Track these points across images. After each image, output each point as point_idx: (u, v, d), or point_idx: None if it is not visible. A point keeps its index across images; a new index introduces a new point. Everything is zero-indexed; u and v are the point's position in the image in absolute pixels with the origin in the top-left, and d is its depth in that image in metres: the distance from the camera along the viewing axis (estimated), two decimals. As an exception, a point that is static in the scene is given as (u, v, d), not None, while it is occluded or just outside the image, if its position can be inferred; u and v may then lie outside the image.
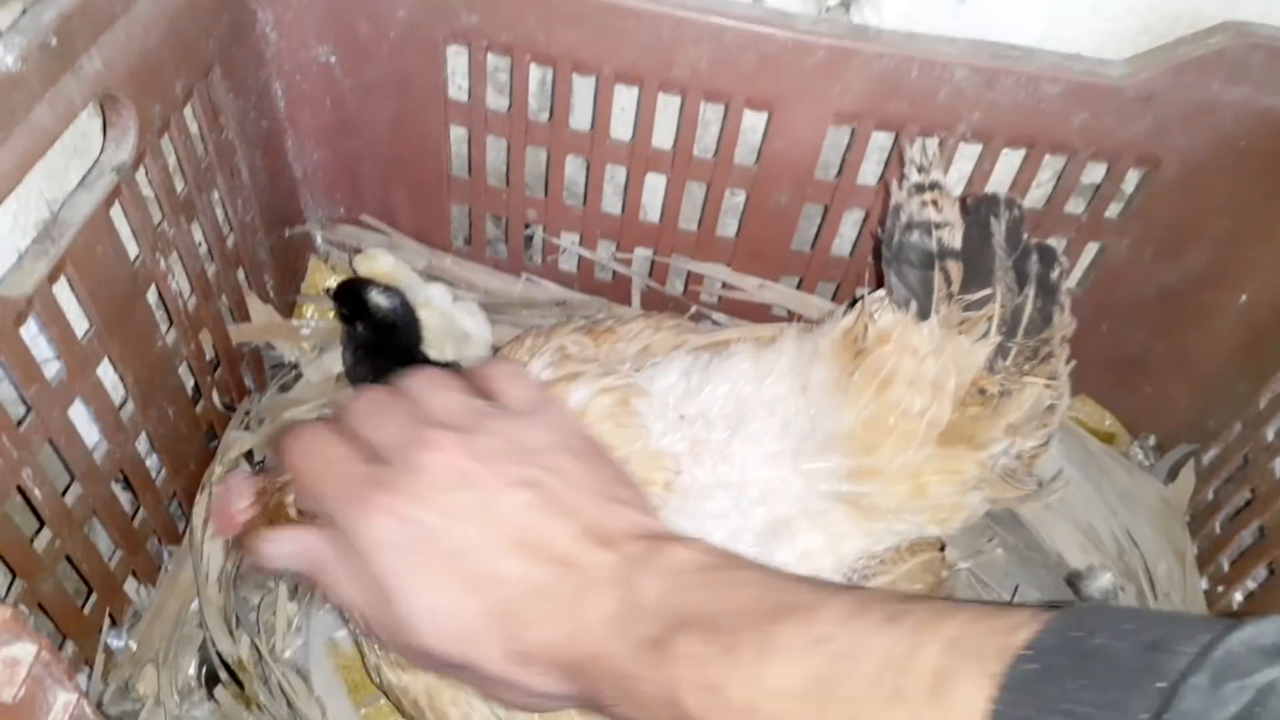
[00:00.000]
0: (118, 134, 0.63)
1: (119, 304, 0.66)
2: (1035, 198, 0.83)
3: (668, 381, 0.64)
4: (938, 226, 0.59)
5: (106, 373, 0.67)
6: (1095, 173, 0.79)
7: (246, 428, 0.85)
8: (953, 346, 0.58)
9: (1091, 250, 0.86)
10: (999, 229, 0.59)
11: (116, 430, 0.69)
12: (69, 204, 0.61)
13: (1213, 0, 0.72)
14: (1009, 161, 0.79)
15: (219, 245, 0.78)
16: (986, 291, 0.58)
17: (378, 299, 0.83)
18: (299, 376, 0.91)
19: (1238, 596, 0.81)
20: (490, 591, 0.47)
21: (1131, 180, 0.80)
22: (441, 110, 0.84)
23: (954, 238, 0.59)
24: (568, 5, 0.74)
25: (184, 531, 0.80)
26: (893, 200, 0.61)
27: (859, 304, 0.62)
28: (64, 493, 0.65)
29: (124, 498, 0.74)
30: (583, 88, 0.80)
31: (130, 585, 0.75)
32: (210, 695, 0.74)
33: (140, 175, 0.66)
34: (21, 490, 0.60)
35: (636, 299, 0.96)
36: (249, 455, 0.84)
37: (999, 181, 0.80)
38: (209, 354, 0.81)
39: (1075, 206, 0.83)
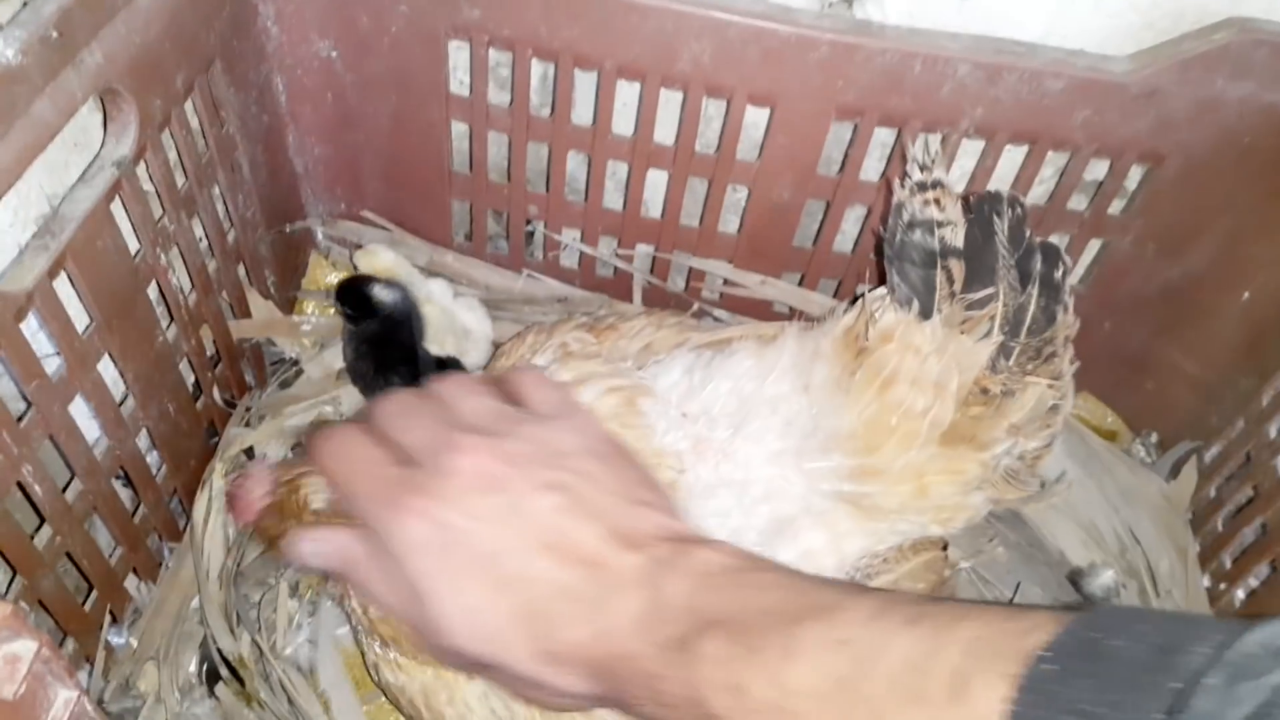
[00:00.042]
0: (118, 128, 0.63)
1: (119, 299, 0.66)
2: (1038, 194, 0.83)
3: (670, 379, 0.63)
4: (940, 225, 0.59)
5: (107, 369, 0.67)
6: (1098, 169, 0.79)
7: (247, 424, 0.85)
8: (955, 346, 0.58)
9: (1094, 247, 0.85)
10: (1001, 227, 0.59)
11: (117, 426, 0.69)
12: (69, 199, 0.60)
13: (1217, -4, 0.72)
14: (1011, 158, 0.78)
15: (220, 240, 0.78)
16: (989, 290, 0.58)
17: (381, 294, 0.83)
18: (300, 373, 0.91)
19: (1240, 594, 0.81)
20: (519, 592, 0.48)
21: (1134, 177, 0.79)
22: (443, 105, 0.83)
23: (956, 236, 0.59)
24: (570, 0, 0.74)
25: (184, 528, 0.80)
26: (895, 198, 0.61)
27: (860, 302, 0.62)
28: (64, 489, 0.65)
29: (124, 494, 0.74)
30: (584, 83, 0.80)
31: (131, 582, 0.75)
32: (211, 692, 0.73)
33: (141, 170, 0.66)
34: (22, 486, 0.60)
35: (638, 295, 0.96)
36: (249, 452, 0.84)
37: (1001, 178, 0.80)
38: (209, 350, 0.81)
39: (1078, 203, 0.82)
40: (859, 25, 0.74)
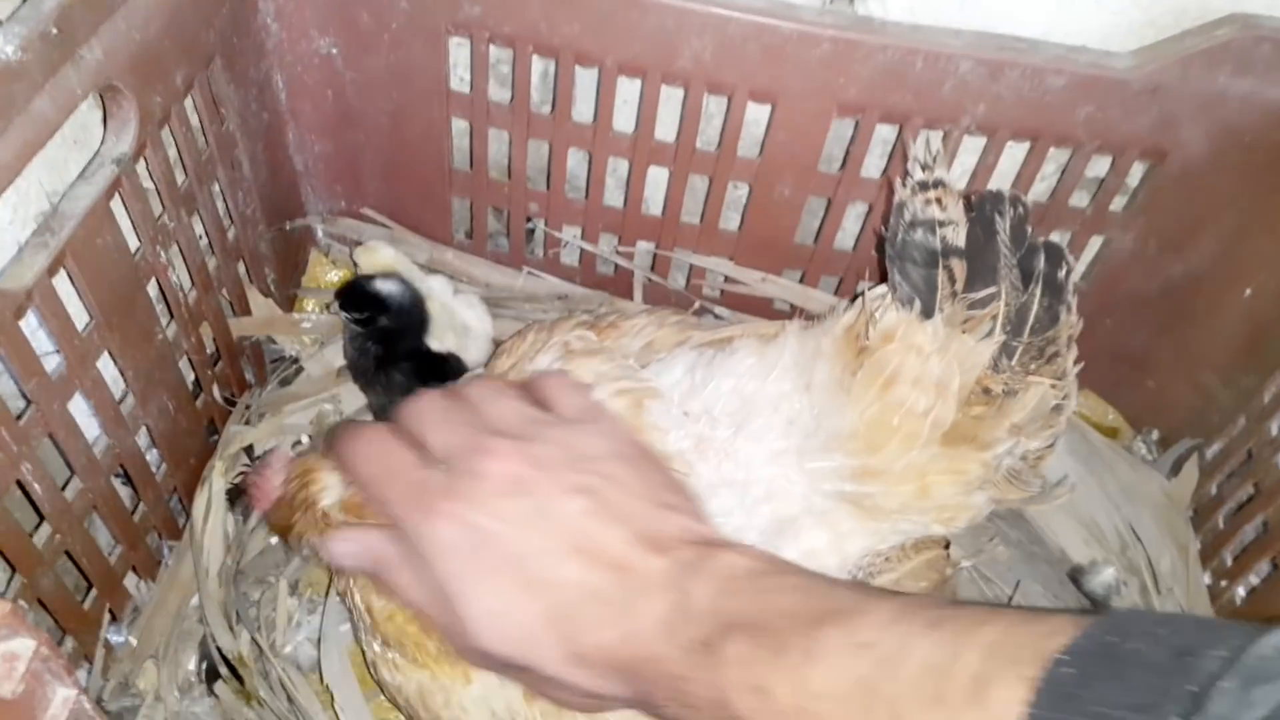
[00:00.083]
0: (118, 125, 0.63)
1: (119, 297, 0.65)
2: (1039, 191, 0.83)
3: (672, 378, 0.63)
4: (942, 224, 0.58)
5: (107, 366, 0.66)
6: (1100, 166, 0.79)
7: (247, 422, 0.85)
8: (957, 345, 0.58)
9: (1095, 244, 0.85)
10: (1003, 226, 0.59)
11: (116, 424, 0.68)
12: (69, 196, 0.60)
13: (1219, -8, 0.72)
14: (1013, 155, 0.78)
15: (220, 238, 0.78)
16: (991, 290, 0.58)
17: (384, 287, 0.83)
18: (300, 370, 0.91)
19: (1240, 591, 0.81)
20: (548, 595, 0.48)
21: (1136, 174, 0.79)
22: (443, 102, 0.83)
23: (958, 236, 0.58)
24: (570, -4, 0.74)
25: (184, 526, 0.80)
26: (897, 197, 0.60)
27: (859, 300, 0.62)
28: (64, 487, 0.65)
29: (124, 492, 0.74)
30: (585, 80, 0.80)
31: (130, 580, 0.75)
32: (210, 691, 0.73)
33: (141, 167, 0.66)
34: (21, 485, 0.60)
35: (638, 293, 0.96)
36: (249, 450, 0.83)
37: (1003, 175, 0.80)
38: (209, 348, 0.80)
39: (1079, 200, 0.82)
40: (860, 22, 0.74)
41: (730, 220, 0.89)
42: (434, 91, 0.82)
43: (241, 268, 0.84)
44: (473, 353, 0.87)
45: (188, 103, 0.70)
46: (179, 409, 0.76)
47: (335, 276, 0.96)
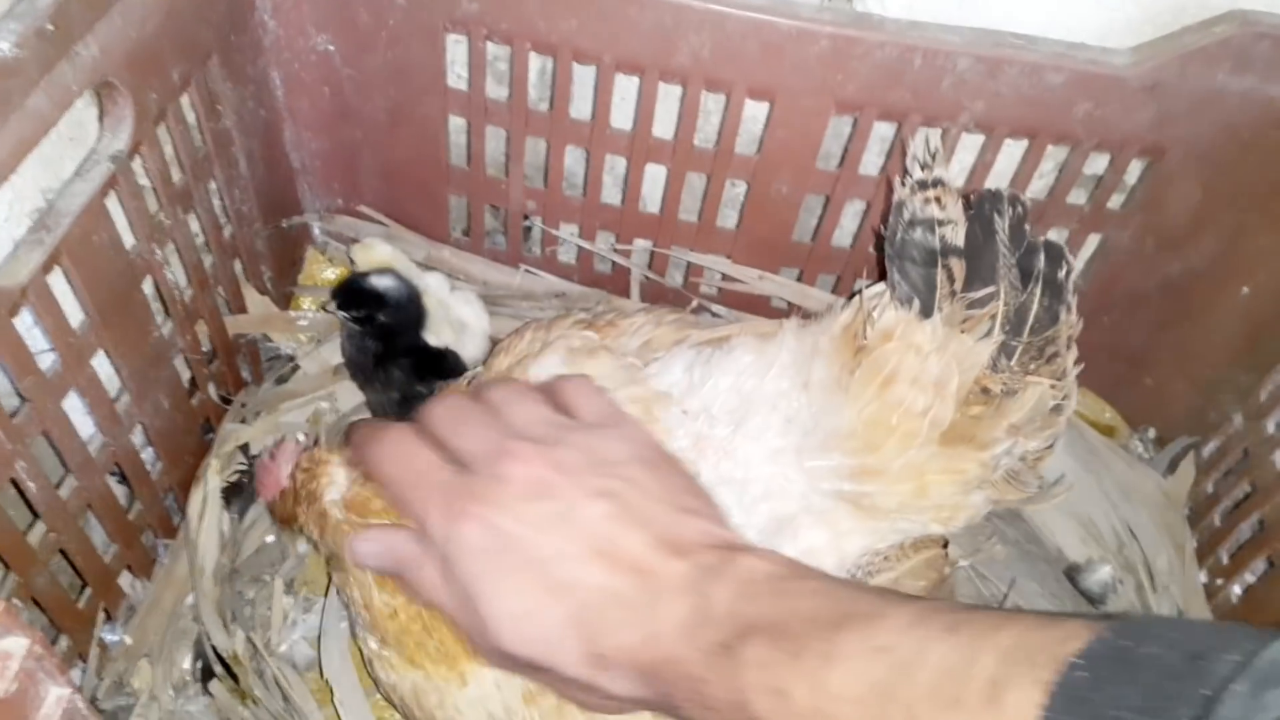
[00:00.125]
0: (114, 122, 0.62)
1: (115, 295, 0.65)
2: (1037, 189, 0.83)
3: (671, 377, 0.63)
4: (941, 224, 0.58)
5: (102, 364, 0.66)
6: (1098, 164, 0.79)
7: (243, 420, 0.85)
8: (955, 345, 0.58)
9: (1093, 242, 0.85)
10: (1002, 226, 0.59)
11: (112, 422, 0.68)
12: (64, 193, 0.60)
13: (1218, -11, 0.72)
14: (1011, 152, 0.78)
15: (216, 236, 0.78)
16: (989, 289, 0.58)
17: (382, 283, 0.82)
18: (296, 369, 0.90)
19: (1237, 589, 0.81)
20: (570, 597, 0.49)
21: (1134, 171, 0.79)
22: (441, 100, 0.83)
23: (957, 235, 0.58)
24: (568, -7, 0.73)
25: (179, 525, 0.80)
26: (896, 196, 0.60)
27: (857, 299, 0.61)
28: (58, 485, 0.65)
29: (119, 490, 0.73)
30: (583, 77, 0.79)
31: (125, 579, 0.75)
32: (205, 689, 0.73)
33: (137, 164, 0.65)
34: (15, 483, 0.60)
35: (636, 291, 0.96)
36: (245, 448, 0.83)
37: (1001, 172, 0.80)
38: (205, 346, 0.80)
39: (1077, 198, 0.82)
40: (859, 18, 0.74)
41: (728, 218, 0.89)
42: (431, 89, 0.82)
43: (238, 266, 0.84)
44: (469, 349, 0.87)
45: (184, 100, 0.69)
46: (174, 407, 0.76)
47: (332, 274, 0.96)
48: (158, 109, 0.65)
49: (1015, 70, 0.71)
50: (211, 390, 0.82)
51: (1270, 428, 0.81)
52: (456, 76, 0.83)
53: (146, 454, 0.76)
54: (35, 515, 0.63)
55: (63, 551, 0.66)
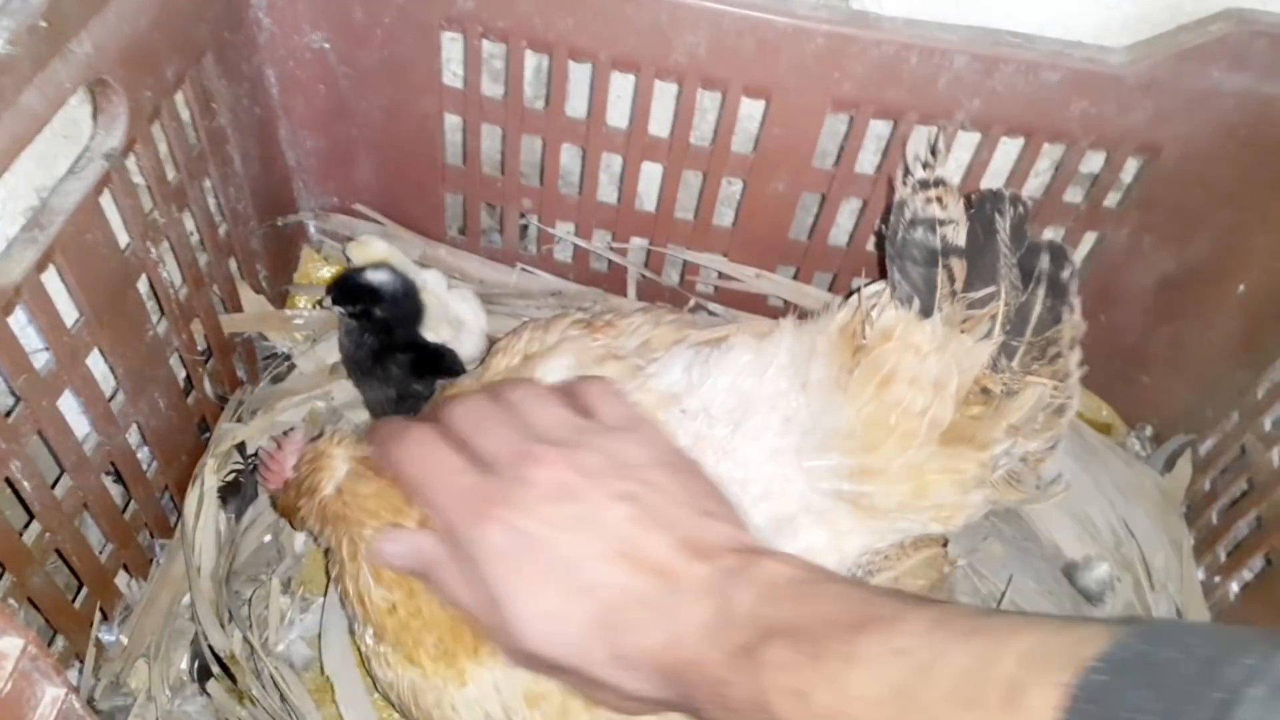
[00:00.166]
0: (108, 120, 0.62)
1: (109, 293, 0.65)
2: (1034, 187, 0.83)
3: (670, 377, 0.63)
4: (942, 223, 0.58)
5: (96, 363, 0.66)
6: (1094, 162, 0.79)
7: (239, 419, 0.85)
8: (955, 345, 0.58)
9: (1090, 240, 0.85)
10: (1003, 226, 0.58)
11: (107, 422, 0.68)
12: (58, 191, 0.60)
13: (1214, -13, 0.72)
14: (1007, 150, 0.78)
15: (211, 234, 0.78)
16: (990, 289, 0.57)
17: (377, 278, 0.82)
18: (292, 367, 0.90)
19: (1234, 587, 0.81)
20: (593, 598, 0.50)
21: (1131, 169, 0.79)
22: (436, 97, 0.83)
23: (958, 235, 0.58)
24: (564, -10, 0.73)
25: (175, 524, 0.79)
26: (897, 196, 0.60)
27: (854, 298, 0.61)
28: (54, 485, 0.65)
29: (115, 490, 0.73)
30: (579, 75, 0.79)
31: (121, 579, 0.75)
32: (202, 689, 0.73)
33: (131, 162, 0.65)
34: (10, 483, 0.59)
35: (632, 289, 0.96)
36: (241, 447, 0.83)
37: (997, 170, 0.80)
38: (201, 345, 0.80)
39: (1074, 196, 0.82)
40: (855, 16, 0.74)
41: (724, 216, 0.89)
42: (427, 87, 0.82)
43: (233, 264, 0.84)
44: (466, 347, 0.87)
45: (178, 97, 0.69)
46: (170, 406, 0.76)
47: (328, 273, 0.96)
48: (152, 106, 0.65)
49: (1011, 68, 0.71)
50: (208, 389, 0.82)
51: (1267, 425, 0.81)
52: (452, 74, 0.83)
53: (142, 453, 0.75)
54: (31, 515, 0.63)
55: (59, 551, 0.66)
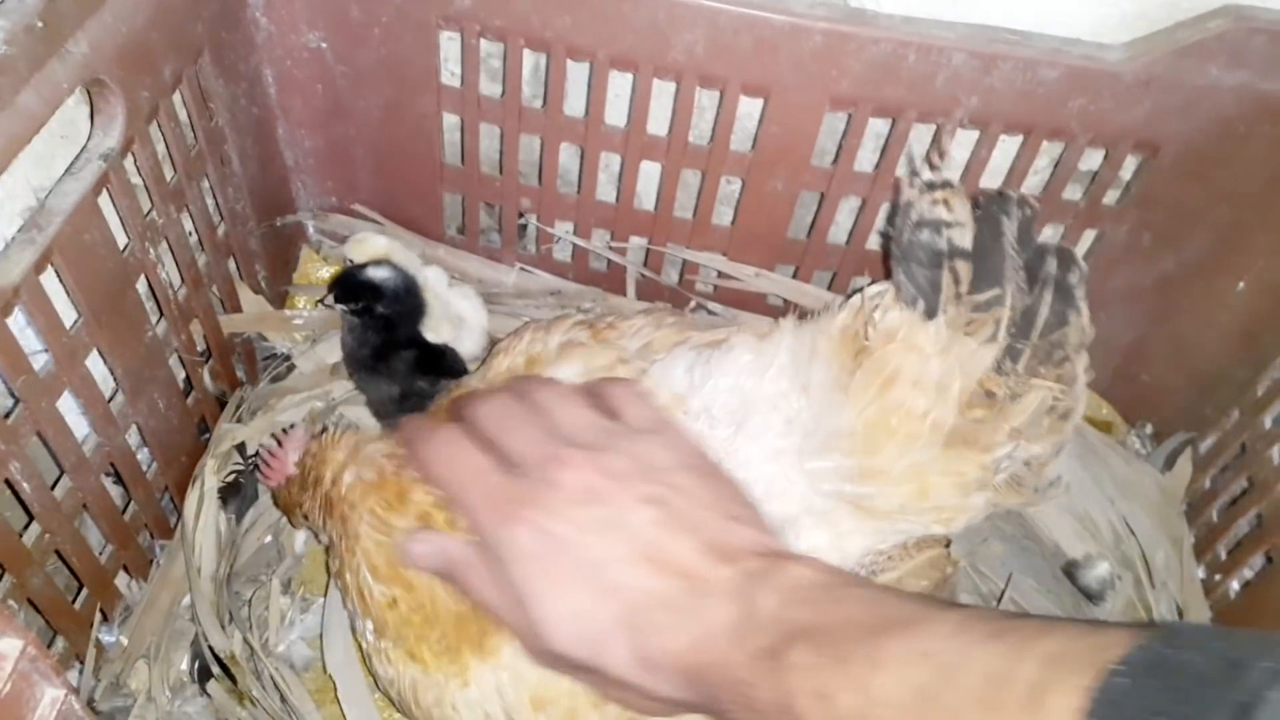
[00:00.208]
0: (105, 120, 0.62)
1: (108, 294, 0.65)
2: (1032, 185, 0.83)
3: (673, 378, 0.63)
4: (948, 225, 0.58)
5: (96, 364, 0.66)
6: (1093, 159, 0.79)
7: (239, 420, 0.84)
8: (959, 347, 0.57)
9: (1089, 238, 0.85)
10: (1010, 228, 0.58)
11: (106, 423, 0.68)
12: (56, 192, 0.60)
13: (1212, -16, 0.72)
14: (1006, 148, 0.78)
15: (209, 235, 0.78)
16: (995, 292, 0.57)
17: (378, 274, 0.82)
18: (291, 368, 0.90)
19: (1235, 585, 0.81)
20: (619, 599, 0.50)
21: (1129, 166, 0.79)
22: (434, 97, 0.83)
23: (964, 237, 0.58)
24: (562, -11, 0.73)
25: (175, 525, 0.79)
26: (903, 197, 0.60)
27: (854, 299, 0.61)
28: (53, 486, 0.65)
29: (114, 491, 0.73)
30: (577, 74, 0.79)
31: (121, 579, 0.75)
32: (203, 690, 0.73)
33: (129, 163, 0.65)
34: (10, 484, 0.59)
35: (631, 288, 0.95)
36: (241, 448, 0.83)
37: (995, 168, 0.80)
38: (200, 345, 0.80)
39: (1073, 193, 0.82)
40: (853, 14, 0.74)
41: (723, 215, 0.89)
42: (425, 86, 0.82)
43: (232, 264, 0.84)
44: (467, 345, 0.87)
45: (176, 98, 0.69)
46: (169, 407, 0.76)
47: (327, 273, 0.96)
48: (149, 107, 0.65)
49: (1010, 66, 0.71)
50: (207, 388, 0.82)
51: (1267, 423, 0.81)
52: (450, 74, 0.83)
53: (142, 454, 0.75)
54: (30, 516, 0.63)
55: (58, 553, 0.66)
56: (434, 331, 0.84)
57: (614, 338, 0.68)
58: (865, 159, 0.84)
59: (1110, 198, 0.81)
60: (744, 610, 0.48)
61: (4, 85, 0.51)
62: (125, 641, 0.74)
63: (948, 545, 0.64)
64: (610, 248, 0.93)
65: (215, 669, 0.73)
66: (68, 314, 0.62)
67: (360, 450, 0.62)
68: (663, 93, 0.78)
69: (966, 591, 0.83)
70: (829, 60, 0.73)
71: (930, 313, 0.57)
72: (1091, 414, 0.95)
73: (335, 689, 0.72)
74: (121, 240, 0.66)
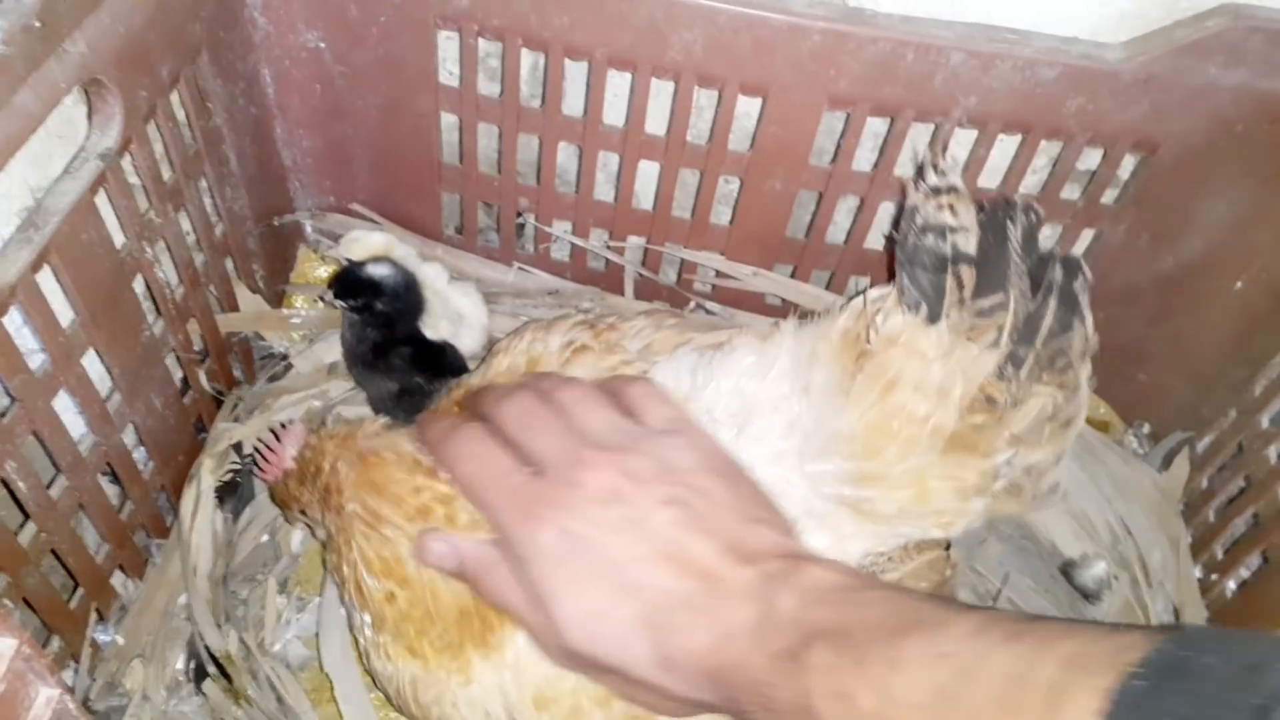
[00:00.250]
0: (103, 119, 0.62)
1: (105, 293, 0.65)
2: (1030, 184, 0.83)
3: (674, 380, 0.63)
4: (953, 231, 0.58)
5: (92, 364, 0.66)
6: (1091, 158, 0.79)
7: (236, 419, 0.84)
8: (961, 352, 0.57)
9: (1087, 237, 0.85)
10: (1015, 234, 0.58)
11: (103, 422, 0.68)
12: (53, 191, 0.60)
13: (1210, -17, 0.72)
14: (1004, 147, 0.78)
15: (207, 234, 0.77)
16: (999, 298, 0.57)
17: (378, 271, 0.82)
18: (289, 367, 0.90)
19: (1231, 585, 0.81)
20: (640, 599, 0.51)
21: (1128, 166, 0.79)
22: (432, 96, 0.83)
23: (969, 243, 0.58)
24: (560, -12, 0.73)
25: (172, 524, 0.79)
26: (909, 201, 0.60)
27: (855, 303, 0.61)
28: (49, 485, 0.64)
29: (111, 490, 0.73)
30: (575, 73, 0.79)
31: (117, 579, 0.74)
32: (198, 689, 0.73)
33: (126, 162, 0.65)
34: (6, 483, 0.59)
35: (629, 288, 0.95)
36: (238, 447, 0.83)
37: (994, 168, 0.80)
38: (197, 345, 0.80)
39: (1071, 193, 0.82)
40: (851, 13, 0.74)
41: (721, 215, 0.89)
42: (423, 85, 0.82)
43: (229, 264, 0.83)
44: (467, 342, 0.87)
45: (174, 97, 0.69)
46: (166, 406, 0.75)
47: (324, 273, 0.96)
48: (147, 106, 0.65)
49: (1008, 65, 0.71)
50: (204, 388, 0.82)
51: (1264, 422, 0.81)
52: (448, 73, 0.83)
53: (138, 453, 0.75)
54: (26, 516, 0.63)
55: (54, 552, 0.66)
56: (433, 328, 0.84)
57: (615, 339, 0.68)
58: (863, 158, 0.84)
59: (1108, 197, 0.81)
60: (764, 611, 0.48)
61: (1, 85, 0.51)
62: (121, 641, 0.73)
63: (947, 548, 0.64)
64: (608, 247, 0.93)
65: (211, 668, 0.73)
66: (64, 313, 0.62)
67: (359, 439, 0.61)
68: (661, 92, 0.78)
69: (964, 590, 0.83)
70: (827, 59, 0.73)
71: (933, 317, 0.57)
72: (1089, 413, 0.95)
73: (332, 688, 0.71)
74: (119, 240, 0.66)
